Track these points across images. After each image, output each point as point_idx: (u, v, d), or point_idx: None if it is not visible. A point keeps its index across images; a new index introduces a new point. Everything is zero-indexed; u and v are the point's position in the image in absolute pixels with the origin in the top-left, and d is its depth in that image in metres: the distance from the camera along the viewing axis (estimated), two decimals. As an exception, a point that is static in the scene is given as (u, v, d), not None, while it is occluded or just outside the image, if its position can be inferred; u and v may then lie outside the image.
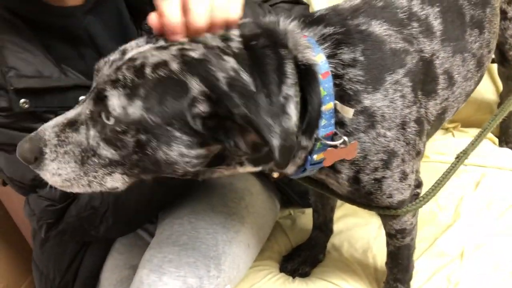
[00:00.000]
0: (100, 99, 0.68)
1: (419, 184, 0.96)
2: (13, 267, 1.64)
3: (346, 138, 0.75)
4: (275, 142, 0.60)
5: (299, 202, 1.41)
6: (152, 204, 1.13)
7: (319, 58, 0.73)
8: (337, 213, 1.39)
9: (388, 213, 0.92)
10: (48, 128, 0.74)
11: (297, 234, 1.39)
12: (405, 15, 0.83)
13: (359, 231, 1.32)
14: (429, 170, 1.46)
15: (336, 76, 0.75)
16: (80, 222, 1.07)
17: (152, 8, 1.06)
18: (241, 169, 0.76)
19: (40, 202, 1.05)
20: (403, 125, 0.81)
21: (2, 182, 1.26)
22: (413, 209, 0.93)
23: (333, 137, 0.76)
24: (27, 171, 1.00)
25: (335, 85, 0.74)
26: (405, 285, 1.11)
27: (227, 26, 0.71)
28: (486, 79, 1.58)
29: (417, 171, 0.93)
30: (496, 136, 1.58)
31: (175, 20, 0.66)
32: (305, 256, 1.29)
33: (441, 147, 1.55)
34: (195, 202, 1.14)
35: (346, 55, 0.76)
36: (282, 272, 1.30)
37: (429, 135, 0.95)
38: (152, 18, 0.68)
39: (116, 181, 0.73)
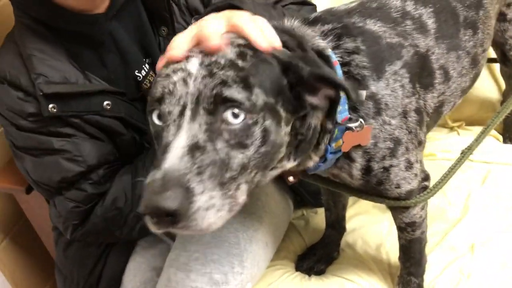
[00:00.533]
0: (220, 103, 0.66)
1: (426, 177, 1.00)
2: (32, 275, 1.69)
3: (362, 120, 0.81)
4: (344, 82, 0.70)
5: (312, 202, 1.44)
6: None
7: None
8: (350, 212, 1.43)
9: (398, 204, 0.96)
10: (175, 160, 0.63)
11: (311, 233, 1.43)
12: (398, 14, 0.90)
13: (371, 228, 1.36)
14: (436, 167, 1.50)
15: (343, 64, 0.81)
16: (105, 222, 1.11)
17: (170, 14, 1.12)
18: (289, 164, 0.80)
19: (66, 204, 1.09)
20: (404, 114, 0.87)
21: (26, 190, 1.31)
22: (421, 200, 0.97)
23: (348, 122, 0.82)
24: (53, 173, 1.06)
25: (344, 72, 0.80)
26: (418, 278, 1.15)
27: None
28: (488, 78, 1.64)
29: (421, 162, 0.97)
30: (500, 133, 1.63)
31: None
32: (319, 254, 1.33)
33: (447, 145, 1.59)
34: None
35: (349, 44, 0.83)
36: (298, 271, 1.33)
37: (429, 127, 1.01)
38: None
39: (243, 194, 0.69)
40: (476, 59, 1.02)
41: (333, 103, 0.75)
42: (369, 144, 0.85)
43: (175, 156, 0.63)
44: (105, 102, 1.04)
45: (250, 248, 1.10)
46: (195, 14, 1.12)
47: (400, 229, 1.06)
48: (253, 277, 1.12)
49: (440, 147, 1.60)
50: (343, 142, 0.82)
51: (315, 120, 0.77)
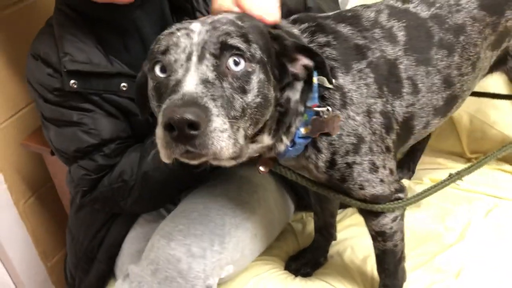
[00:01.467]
0: (225, 50, 0.75)
1: (401, 189, 1.03)
2: (51, 236, 1.83)
3: (329, 107, 0.87)
4: (319, 53, 0.81)
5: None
6: (175, 186, 1.26)
7: None
8: (344, 223, 1.48)
9: (365, 207, 0.98)
10: (192, 87, 0.71)
11: (306, 237, 1.47)
12: (369, 23, 0.97)
13: (362, 239, 1.37)
14: (444, 195, 1.52)
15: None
16: (111, 192, 1.21)
17: (192, 5, 1.21)
18: (266, 139, 0.88)
19: (79, 171, 1.21)
20: (369, 113, 0.91)
21: (51, 152, 1.46)
22: (388, 207, 0.99)
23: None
24: (71, 143, 1.18)
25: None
26: (395, 291, 1.16)
27: None
28: (509, 114, 1.61)
29: (392, 170, 0.99)
30: (519, 172, 1.60)
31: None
32: (308, 258, 1.37)
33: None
34: (212, 188, 1.26)
35: (321, 39, 0.91)
36: (286, 270, 1.38)
37: (403, 140, 1.03)
38: None
39: (241, 137, 0.75)
40: (450, 81, 1.03)
41: (308, 81, 0.85)
42: (335, 136, 0.90)
43: (191, 84, 0.71)
44: (122, 84, 1.15)
45: (234, 233, 1.17)
46: None
47: (372, 237, 1.09)
48: (234, 261, 1.17)
49: (461, 181, 1.58)
50: (311, 127, 0.88)
51: (292, 94, 0.86)
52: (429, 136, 1.67)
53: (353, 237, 1.41)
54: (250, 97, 0.76)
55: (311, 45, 0.90)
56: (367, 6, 1.02)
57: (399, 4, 1.03)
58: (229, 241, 1.14)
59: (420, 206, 1.49)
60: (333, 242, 1.42)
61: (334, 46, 0.91)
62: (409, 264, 1.27)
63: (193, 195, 1.24)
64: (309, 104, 0.88)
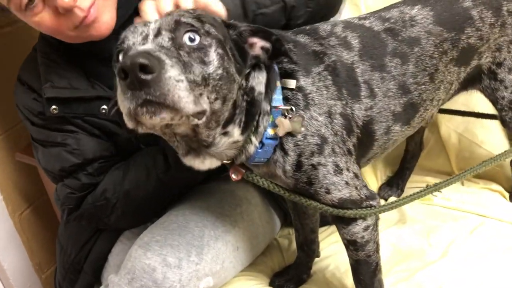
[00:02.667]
0: (179, 25, 0.79)
1: (372, 197, 1.04)
2: (46, 247, 1.87)
3: (292, 107, 0.92)
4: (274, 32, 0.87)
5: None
6: (156, 203, 1.29)
7: None
8: (328, 240, 1.49)
9: (337, 213, 0.99)
10: (146, 46, 0.76)
11: (292, 253, 1.47)
12: (325, 33, 1.04)
13: (345, 255, 1.38)
14: (430, 213, 1.53)
15: (277, 62, 0.95)
16: (94, 209, 1.25)
17: None
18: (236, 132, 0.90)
19: (64, 189, 1.26)
20: (330, 114, 0.95)
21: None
22: (358, 213, 1.00)
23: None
24: (56, 162, 1.24)
25: (278, 69, 0.94)
26: (372, 304, 1.15)
27: None
28: (499, 134, 1.62)
29: (356, 175, 1.01)
30: (508, 191, 1.59)
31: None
32: (291, 274, 1.38)
33: (448, 193, 1.58)
34: (194, 201, 1.29)
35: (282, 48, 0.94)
36: (270, 286, 1.39)
37: (365, 146, 1.05)
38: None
39: (205, 103, 0.77)
40: (406, 88, 1.06)
41: (270, 80, 0.92)
42: (300, 136, 0.93)
43: (145, 46, 0.76)
44: (102, 107, 1.20)
45: (214, 245, 1.19)
46: None
47: (345, 246, 1.09)
48: (214, 273, 1.19)
49: (439, 194, 1.59)
50: (278, 127, 0.92)
51: (255, 84, 0.91)
52: (418, 155, 1.69)
53: (336, 253, 1.41)
54: (211, 68, 0.79)
55: None
56: (324, 22, 1.09)
57: (355, 20, 1.10)
58: (207, 253, 1.16)
59: (405, 222, 1.50)
60: (317, 259, 1.43)
61: (294, 53, 0.97)
62: (391, 280, 1.27)
63: (175, 208, 1.27)
64: (274, 104, 0.92)
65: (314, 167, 0.96)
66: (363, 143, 1.05)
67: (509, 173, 1.58)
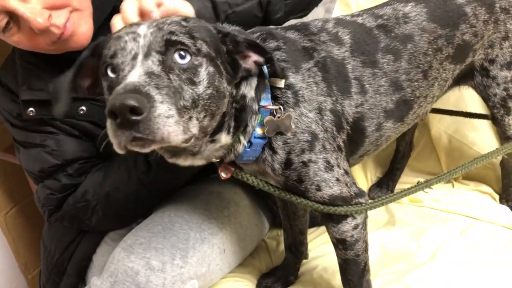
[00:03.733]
0: (170, 46, 0.78)
1: (361, 194, 1.02)
2: (32, 248, 1.85)
3: (281, 107, 0.90)
4: (269, 49, 0.84)
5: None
6: (138, 204, 1.27)
7: None
8: (316, 241, 1.48)
9: (327, 210, 0.98)
10: (135, 78, 0.73)
11: (280, 255, 1.46)
12: (316, 29, 1.02)
13: (332, 256, 1.36)
14: (420, 214, 1.52)
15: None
16: (75, 211, 1.24)
17: None
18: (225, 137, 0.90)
19: (44, 190, 1.25)
20: (320, 111, 0.94)
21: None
22: (348, 210, 0.99)
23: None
24: (36, 163, 1.22)
25: (267, 67, 0.91)
26: (360, 305, 1.14)
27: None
28: (490, 134, 1.61)
29: (346, 171, 1.00)
30: (497, 193, 1.59)
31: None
32: (278, 275, 1.37)
33: (437, 195, 1.58)
34: (181, 202, 1.27)
35: (272, 44, 0.95)
36: (257, 287, 1.37)
37: (356, 143, 1.04)
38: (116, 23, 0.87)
39: (194, 127, 0.78)
40: (398, 84, 1.06)
41: (260, 80, 0.90)
42: (290, 134, 0.92)
43: (134, 75, 0.73)
44: (80, 108, 1.19)
45: (199, 248, 1.17)
46: None
47: (333, 245, 1.08)
48: (199, 276, 1.17)
49: (430, 195, 1.58)
50: (267, 127, 0.91)
51: (247, 91, 0.89)
52: (408, 155, 1.68)
53: (324, 255, 1.40)
54: (201, 88, 0.79)
55: None
56: (316, 19, 1.07)
57: (347, 17, 1.09)
58: (192, 256, 1.14)
59: (395, 224, 1.49)
60: (305, 260, 1.41)
61: (284, 50, 0.95)
62: (379, 281, 1.26)
63: (160, 209, 1.25)
64: (262, 103, 0.91)
65: (305, 164, 0.94)
66: (353, 139, 1.03)
67: (499, 175, 1.57)
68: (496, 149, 1.21)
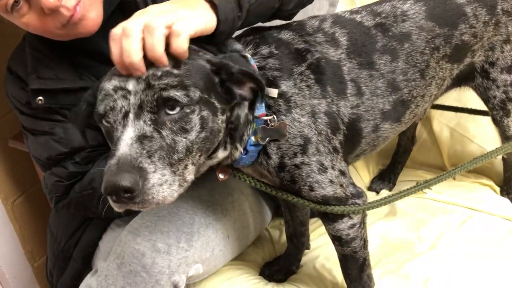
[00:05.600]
0: (162, 103, 0.78)
1: (358, 195, 1.04)
2: (39, 236, 1.87)
3: (274, 116, 0.92)
4: (262, 79, 0.85)
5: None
6: None
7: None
8: (318, 231, 1.50)
9: (324, 209, 1.00)
10: (126, 148, 0.75)
11: (283, 244, 1.48)
12: (312, 29, 1.02)
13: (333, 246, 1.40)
14: (421, 206, 1.54)
15: (260, 68, 0.94)
16: (82, 199, 1.26)
17: None
18: (221, 154, 0.92)
19: (52, 177, 1.27)
20: (313, 114, 0.95)
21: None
22: (344, 210, 1.00)
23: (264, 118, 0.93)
24: (43, 151, 1.24)
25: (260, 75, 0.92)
26: (360, 298, 1.16)
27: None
28: (491, 130, 1.62)
29: (343, 173, 1.01)
30: (498, 185, 1.60)
31: (136, 58, 0.78)
32: (281, 265, 1.39)
33: (438, 187, 1.58)
34: (186, 189, 1.29)
35: (264, 50, 0.96)
36: (260, 275, 1.40)
37: (352, 143, 1.05)
38: (115, 57, 0.80)
39: (190, 173, 0.82)
40: (395, 85, 1.06)
41: (254, 97, 0.89)
42: (282, 140, 0.94)
43: (125, 145, 0.76)
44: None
45: (204, 233, 1.19)
46: None
47: (331, 240, 1.10)
48: (203, 260, 1.19)
49: (430, 190, 1.60)
50: (261, 135, 0.93)
51: (241, 111, 0.91)
52: (410, 149, 1.70)
53: (326, 244, 1.41)
54: (194, 134, 0.81)
55: (255, 57, 0.96)
56: (313, 16, 1.08)
57: (346, 14, 1.09)
58: (197, 240, 1.16)
59: (395, 215, 1.51)
60: (307, 250, 1.43)
61: (276, 56, 0.96)
62: (379, 271, 1.28)
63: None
64: (256, 113, 0.93)
65: (298, 166, 0.96)
66: (349, 140, 1.04)
67: (500, 167, 1.59)
68: (496, 148, 1.22)
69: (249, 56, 0.95)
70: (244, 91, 0.87)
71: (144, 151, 0.75)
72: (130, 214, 1.26)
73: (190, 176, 0.82)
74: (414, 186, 1.12)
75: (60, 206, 1.30)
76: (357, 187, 1.05)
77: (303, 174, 0.97)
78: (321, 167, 0.97)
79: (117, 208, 0.78)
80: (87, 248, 1.39)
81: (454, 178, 1.66)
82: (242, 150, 0.95)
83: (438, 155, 1.71)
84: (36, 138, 1.26)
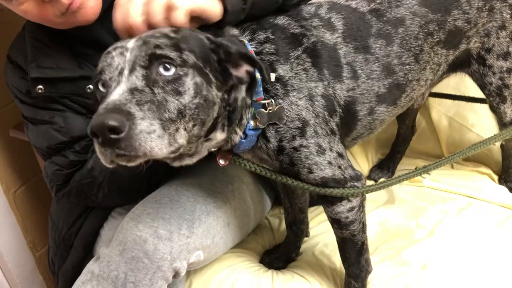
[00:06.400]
0: (154, 59, 0.79)
1: (357, 177, 1.05)
2: (41, 226, 1.88)
3: (272, 100, 0.93)
4: (259, 61, 0.85)
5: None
6: (143, 181, 1.29)
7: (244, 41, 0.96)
8: (317, 219, 1.52)
9: (323, 192, 1.01)
10: (116, 96, 0.75)
11: (282, 232, 1.50)
12: (308, 14, 1.04)
13: (332, 234, 1.40)
14: (419, 194, 1.55)
15: (257, 53, 0.95)
16: (81, 187, 1.27)
17: None
18: (220, 135, 0.93)
19: (52, 166, 1.28)
20: (310, 97, 0.96)
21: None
22: (343, 193, 1.01)
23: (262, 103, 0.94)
24: (44, 140, 1.25)
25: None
26: (358, 283, 1.17)
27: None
28: (489, 118, 1.63)
29: (340, 155, 1.02)
30: (497, 174, 1.62)
31: (137, 19, 0.86)
32: (280, 252, 1.41)
33: (436, 175, 1.60)
34: (186, 177, 1.30)
35: (261, 36, 0.97)
36: (260, 263, 1.42)
37: (348, 126, 1.06)
38: (117, 21, 0.87)
39: (182, 137, 0.80)
40: (390, 69, 1.07)
41: (252, 81, 0.90)
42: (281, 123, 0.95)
43: (116, 94, 0.76)
44: (88, 86, 1.21)
45: (205, 220, 1.20)
46: None
47: (330, 223, 1.11)
48: (204, 247, 1.20)
49: (428, 176, 1.61)
50: (259, 119, 0.94)
51: (238, 94, 0.91)
52: (410, 138, 1.71)
53: (325, 231, 1.44)
54: (186, 98, 0.81)
55: (252, 43, 0.97)
56: (308, 3, 1.09)
57: (341, 1, 1.10)
58: (198, 227, 1.17)
59: (394, 203, 1.52)
60: (306, 238, 1.45)
61: (273, 41, 0.97)
62: (377, 257, 1.30)
63: (167, 183, 1.28)
64: (255, 98, 0.94)
65: (296, 149, 0.98)
66: (345, 122, 1.06)
67: (498, 156, 1.60)
68: (494, 135, 1.23)
69: (246, 41, 0.96)
70: (240, 73, 0.88)
71: (134, 100, 0.75)
72: (130, 203, 1.28)
73: (181, 139, 0.80)
74: (413, 171, 1.13)
75: (60, 194, 1.32)
76: (356, 170, 1.06)
77: (302, 157, 0.98)
78: (319, 149, 0.98)
79: (104, 158, 0.76)
80: (88, 237, 1.41)
81: (452, 167, 1.67)
82: (241, 134, 0.96)
83: (436, 144, 1.72)
84: (36, 127, 1.27)
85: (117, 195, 1.31)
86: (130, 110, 0.73)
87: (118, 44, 0.84)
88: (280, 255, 1.40)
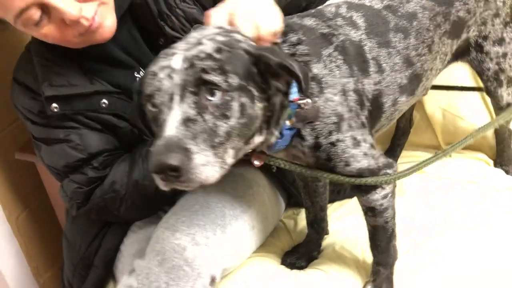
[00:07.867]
0: (202, 84, 0.81)
1: (388, 165, 1.09)
2: (44, 251, 1.84)
3: (308, 100, 0.96)
4: (300, 73, 0.85)
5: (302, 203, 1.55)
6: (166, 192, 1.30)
7: None
8: (336, 214, 1.54)
9: (359, 182, 1.05)
10: (173, 130, 0.79)
11: (299, 233, 1.52)
12: (331, 14, 1.09)
13: (350, 229, 1.45)
14: (425, 183, 1.62)
15: (290, 55, 0.99)
16: (104, 203, 1.27)
17: (160, 28, 1.25)
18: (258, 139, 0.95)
19: (71, 185, 1.27)
20: (344, 92, 1.01)
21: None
22: (377, 181, 1.05)
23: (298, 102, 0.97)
24: (60, 159, 1.25)
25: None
26: (387, 270, 1.22)
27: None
28: (482, 106, 1.73)
29: (372, 145, 1.07)
30: (492, 159, 1.70)
31: None
32: (302, 252, 1.43)
33: (439, 165, 1.64)
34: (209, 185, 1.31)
35: (293, 38, 1.01)
36: (282, 264, 1.42)
37: (374, 118, 1.11)
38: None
39: (230, 156, 0.85)
40: (410, 60, 1.14)
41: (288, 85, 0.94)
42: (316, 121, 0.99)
43: (172, 127, 0.79)
44: (102, 101, 1.22)
45: (235, 224, 1.22)
46: (194, 24, 1.22)
47: (363, 212, 1.15)
48: (235, 252, 1.22)
49: (430, 166, 1.67)
50: (295, 119, 0.97)
51: (278, 99, 0.94)
52: (408, 131, 1.78)
53: (343, 229, 1.47)
54: (233, 121, 0.84)
55: (284, 45, 1.00)
56: (327, 5, 1.14)
57: (355, 1, 1.16)
58: (229, 232, 1.19)
59: (404, 193, 1.58)
60: (325, 236, 1.48)
61: (304, 42, 1.00)
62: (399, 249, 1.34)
63: (190, 193, 1.29)
64: (291, 98, 0.96)
65: (333, 144, 1.01)
66: (372, 115, 1.10)
67: (493, 142, 1.69)
68: (490, 122, 1.31)
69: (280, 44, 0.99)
70: (280, 83, 0.91)
71: (189, 133, 0.79)
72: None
73: (229, 159, 0.85)
74: (437, 154, 1.19)
75: (81, 212, 1.30)
76: (388, 158, 1.10)
77: (339, 151, 1.01)
78: (355, 141, 1.02)
79: (163, 186, 0.82)
80: (109, 253, 1.39)
81: (450, 156, 1.75)
82: (278, 134, 0.98)
83: (433, 136, 1.80)
84: (51, 147, 1.26)
85: (141, 207, 1.30)
86: (187, 146, 0.78)
87: (163, 63, 0.85)
88: (302, 254, 1.43)
